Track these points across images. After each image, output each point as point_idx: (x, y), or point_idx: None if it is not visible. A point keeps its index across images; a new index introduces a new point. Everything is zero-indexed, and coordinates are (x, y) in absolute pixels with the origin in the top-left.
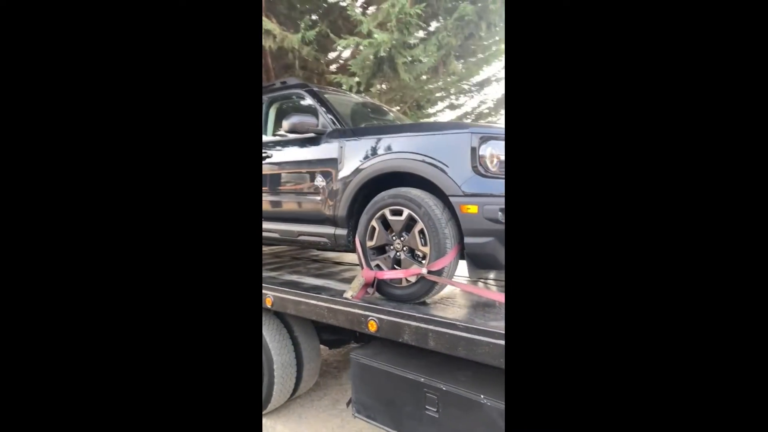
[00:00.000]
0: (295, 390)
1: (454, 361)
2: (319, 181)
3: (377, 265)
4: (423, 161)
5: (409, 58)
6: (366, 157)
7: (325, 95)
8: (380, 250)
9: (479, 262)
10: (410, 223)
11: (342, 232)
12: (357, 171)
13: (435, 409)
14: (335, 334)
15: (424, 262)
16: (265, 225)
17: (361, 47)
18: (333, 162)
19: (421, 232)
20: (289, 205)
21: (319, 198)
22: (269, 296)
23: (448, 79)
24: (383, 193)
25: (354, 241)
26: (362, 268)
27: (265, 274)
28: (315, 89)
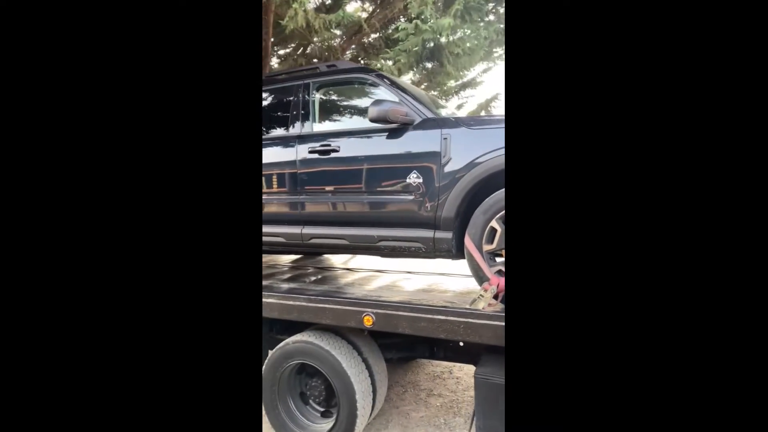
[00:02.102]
0: (368, 419)
1: None
2: (413, 177)
3: (499, 271)
4: None
5: (459, 50)
6: (485, 149)
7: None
8: (498, 254)
9: None
10: None
11: (445, 235)
12: (472, 165)
13: None
14: (401, 352)
15: None
16: (329, 230)
17: (410, 31)
18: (434, 156)
19: None
20: (363, 206)
21: (411, 197)
22: (368, 314)
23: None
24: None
25: (464, 245)
26: (481, 275)
27: (329, 287)
28: (385, 74)
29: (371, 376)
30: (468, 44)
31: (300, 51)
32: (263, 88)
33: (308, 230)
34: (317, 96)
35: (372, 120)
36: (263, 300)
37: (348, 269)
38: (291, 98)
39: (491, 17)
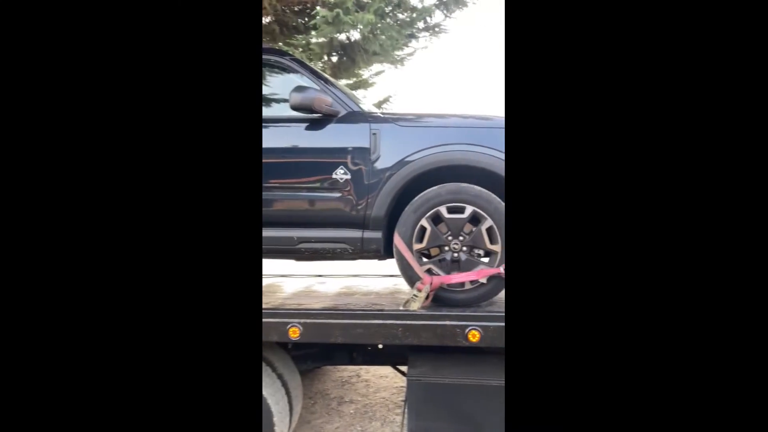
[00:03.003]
0: None
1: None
2: (340, 174)
3: (429, 270)
4: (492, 155)
5: (376, 48)
6: (416, 147)
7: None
8: (426, 252)
9: None
10: (472, 220)
11: (374, 235)
12: (403, 163)
13: None
14: (317, 361)
15: (486, 261)
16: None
17: (329, 20)
18: (363, 152)
19: (490, 229)
20: (281, 204)
21: (338, 195)
22: (294, 326)
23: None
24: (437, 189)
25: (394, 245)
26: (411, 275)
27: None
28: (302, 60)
29: (288, 393)
30: (380, 44)
31: None
32: None
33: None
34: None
35: (294, 108)
36: None
37: None
38: None
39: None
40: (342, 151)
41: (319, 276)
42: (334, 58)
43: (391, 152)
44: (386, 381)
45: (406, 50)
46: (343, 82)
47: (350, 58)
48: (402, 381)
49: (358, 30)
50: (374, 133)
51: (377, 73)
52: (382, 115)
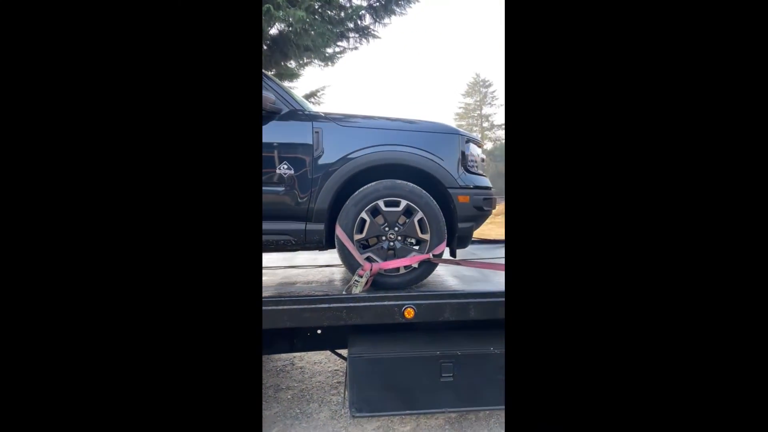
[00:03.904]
0: None
1: (446, 329)
2: (284, 169)
3: (368, 258)
4: (423, 156)
5: (309, 43)
6: (357, 146)
7: None
8: (365, 242)
9: (463, 243)
10: (405, 213)
11: (317, 227)
12: (345, 160)
13: (450, 375)
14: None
15: (417, 248)
16: None
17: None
18: (306, 148)
19: (421, 221)
20: None
21: (282, 189)
22: None
23: None
24: (375, 185)
25: (335, 236)
26: (352, 263)
27: None
28: None
29: None
30: (311, 40)
31: None
32: None
33: None
34: None
35: None
36: None
37: None
38: None
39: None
40: (286, 147)
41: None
42: (266, 52)
43: (333, 150)
44: (320, 366)
45: (336, 49)
46: (270, 73)
47: (281, 51)
48: (336, 365)
49: (290, 25)
50: (317, 131)
51: (303, 65)
52: (324, 115)
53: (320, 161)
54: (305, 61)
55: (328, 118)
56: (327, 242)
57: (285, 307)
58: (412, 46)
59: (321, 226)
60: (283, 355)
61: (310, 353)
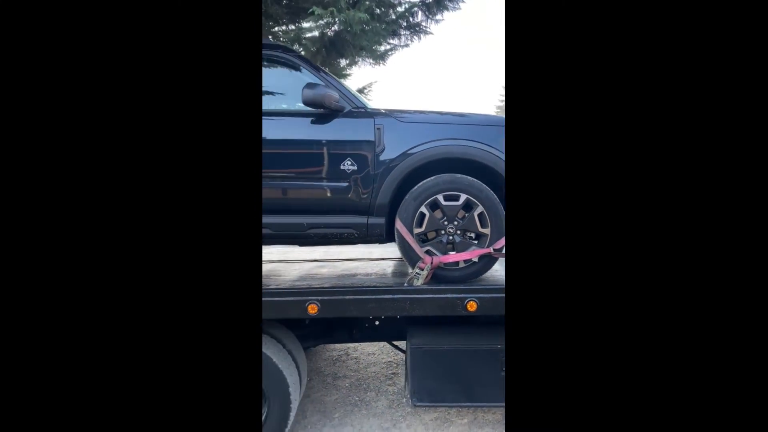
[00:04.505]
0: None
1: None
2: (348, 165)
3: (428, 251)
4: (484, 149)
5: (365, 44)
6: (417, 141)
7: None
8: (424, 236)
9: None
10: (465, 207)
11: (378, 221)
12: (406, 155)
13: None
14: (319, 339)
15: (476, 243)
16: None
17: (327, 17)
18: (368, 144)
19: (481, 215)
20: (291, 193)
21: (345, 184)
22: (312, 302)
23: None
24: (434, 179)
25: (395, 229)
26: (412, 256)
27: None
28: (306, 57)
29: (297, 367)
30: (367, 40)
31: None
32: None
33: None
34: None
35: (306, 103)
36: None
37: None
38: None
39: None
40: (349, 144)
41: (316, 261)
42: (323, 52)
43: (393, 145)
44: (374, 358)
45: (387, 46)
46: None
47: (338, 51)
48: (390, 357)
49: (349, 26)
50: (378, 128)
51: (353, 63)
52: (385, 112)
53: (381, 157)
54: (356, 59)
55: (389, 114)
56: (387, 235)
57: (352, 297)
58: (449, 40)
59: (382, 220)
60: (338, 346)
61: (363, 345)
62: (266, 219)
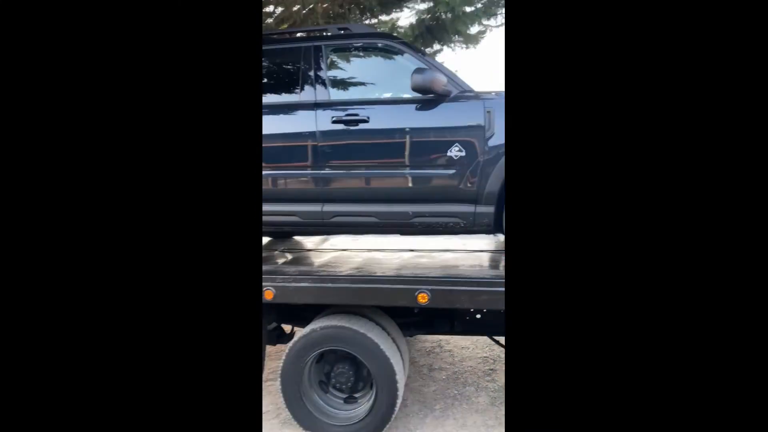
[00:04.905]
0: None
1: None
2: (455, 151)
3: None
4: None
5: (464, 28)
6: None
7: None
8: None
9: None
10: None
11: (486, 210)
12: None
13: None
14: (420, 328)
15: None
16: (356, 207)
17: (425, 6)
18: (477, 129)
19: None
20: (397, 181)
21: (452, 171)
22: (423, 292)
23: None
24: None
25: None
26: None
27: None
28: (409, 42)
29: (401, 356)
30: (463, 24)
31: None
32: None
33: (331, 207)
34: (331, 61)
35: (415, 89)
36: (286, 285)
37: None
38: (298, 62)
39: None
40: (457, 130)
41: (412, 251)
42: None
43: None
44: (468, 352)
45: (480, 28)
46: None
47: (434, 37)
48: (485, 352)
49: (452, 11)
50: (488, 111)
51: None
52: (495, 95)
53: (491, 142)
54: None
55: (499, 96)
56: (495, 226)
57: (464, 288)
58: None
59: (491, 209)
60: (431, 337)
61: (456, 338)
62: (371, 207)
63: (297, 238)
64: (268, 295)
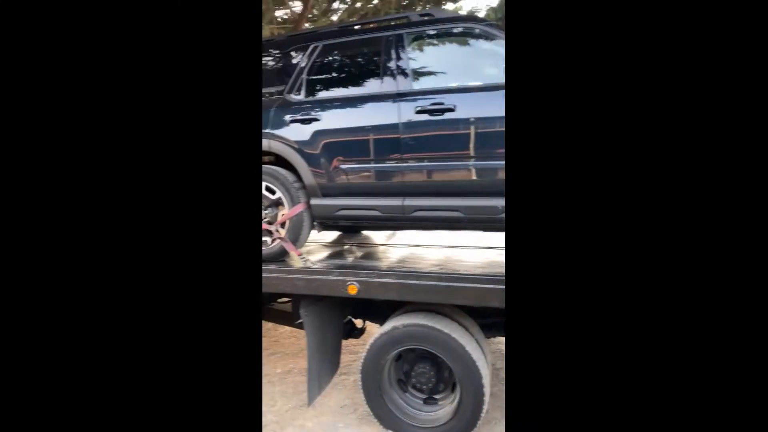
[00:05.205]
0: None
1: None
2: None
3: None
4: None
5: None
6: None
7: None
8: None
9: None
10: None
11: None
12: None
13: None
14: (501, 330)
15: None
16: (440, 202)
17: None
18: None
19: None
20: (486, 174)
21: None
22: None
23: None
24: None
25: None
26: None
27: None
28: (497, 25)
29: (486, 358)
30: None
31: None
32: (335, 41)
33: (412, 202)
34: (413, 49)
35: None
36: (370, 280)
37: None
38: (379, 52)
39: None
40: None
41: (454, 247)
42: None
43: None
44: None
45: None
46: None
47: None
48: None
49: None
50: None
51: None
52: None
53: None
54: None
55: None
56: None
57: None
58: None
59: None
60: (502, 339)
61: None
62: (456, 201)
63: (365, 232)
64: (352, 289)
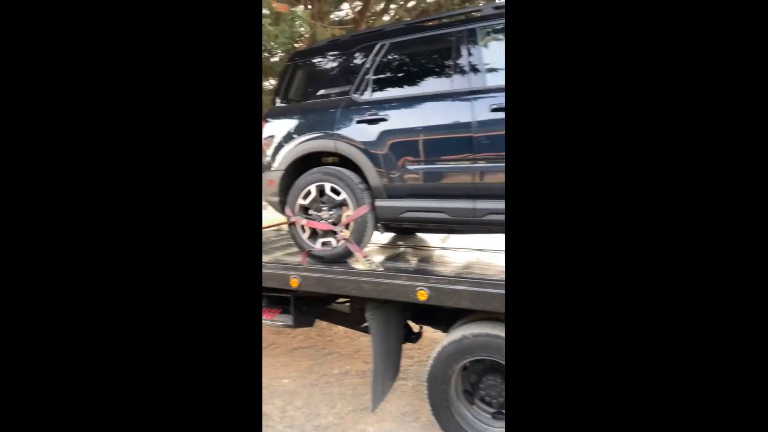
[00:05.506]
0: None
1: None
2: None
3: None
4: None
5: None
6: None
7: None
8: None
9: None
10: None
11: None
12: None
13: None
14: None
15: None
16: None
17: None
18: None
19: None
20: None
21: None
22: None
23: None
24: None
25: None
26: None
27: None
28: None
29: None
30: None
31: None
32: (402, 39)
33: (484, 204)
34: (486, 43)
35: None
36: (441, 286)
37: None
38: (449, 47)
39: None
40: None
41: (481, 250)
42: None
43: None
44: None
45: None
46: None
47: None
48: None
49: None
50: None
51: None
52: None
53: None
54: None
55: None
56: None
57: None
58: None
59: None
60: None
61: None
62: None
63: (419, 235)
64: (422, 295)
